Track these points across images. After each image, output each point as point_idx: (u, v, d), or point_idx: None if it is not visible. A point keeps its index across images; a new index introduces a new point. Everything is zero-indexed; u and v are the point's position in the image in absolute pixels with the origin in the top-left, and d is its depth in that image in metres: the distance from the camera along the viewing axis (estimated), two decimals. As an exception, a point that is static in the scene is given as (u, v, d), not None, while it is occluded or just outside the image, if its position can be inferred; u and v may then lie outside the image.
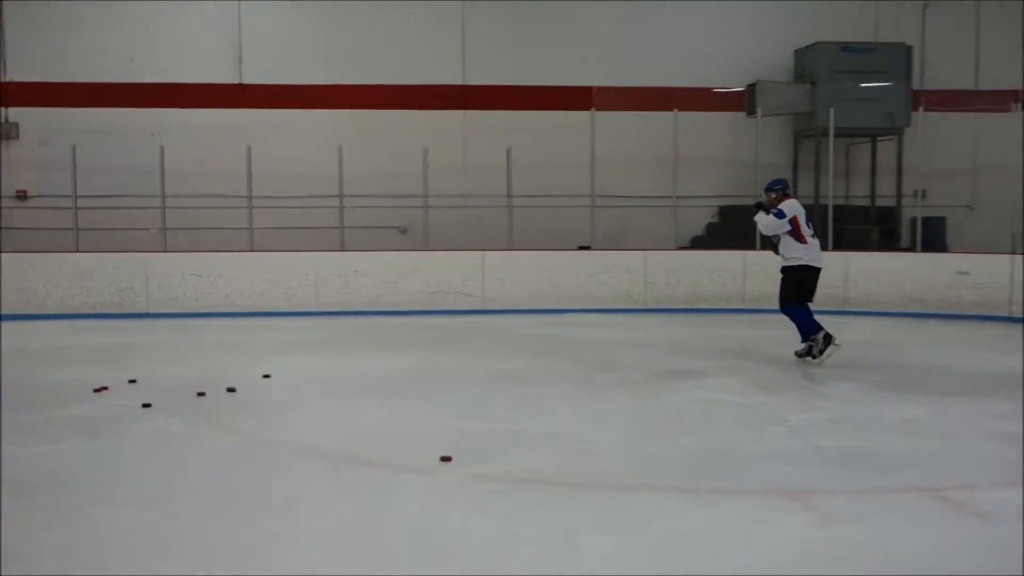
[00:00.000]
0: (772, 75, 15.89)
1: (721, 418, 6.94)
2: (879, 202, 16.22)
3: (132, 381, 8.00)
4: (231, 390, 7.68)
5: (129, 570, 3.88)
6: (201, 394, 7.49)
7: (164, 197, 14.12)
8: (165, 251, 13.98)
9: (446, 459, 5.44)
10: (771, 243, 9.35)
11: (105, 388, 7.70)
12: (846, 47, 15.37)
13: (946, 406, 7.23)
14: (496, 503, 4.78)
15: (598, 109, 14.65)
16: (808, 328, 8.97)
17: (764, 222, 9.11)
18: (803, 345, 9.03)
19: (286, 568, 3.90)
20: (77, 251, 13.96)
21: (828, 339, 8.90)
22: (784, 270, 9.19)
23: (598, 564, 3.94)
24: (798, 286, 9.03)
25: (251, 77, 15.63)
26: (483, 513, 4.62)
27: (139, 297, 13.56)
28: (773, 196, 9.16)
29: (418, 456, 5.58)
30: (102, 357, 9.77)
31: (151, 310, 13.45)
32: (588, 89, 15.21)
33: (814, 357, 8.90)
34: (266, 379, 8.26)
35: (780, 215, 8.91)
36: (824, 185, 14.96)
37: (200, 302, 13.53)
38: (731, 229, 15.21)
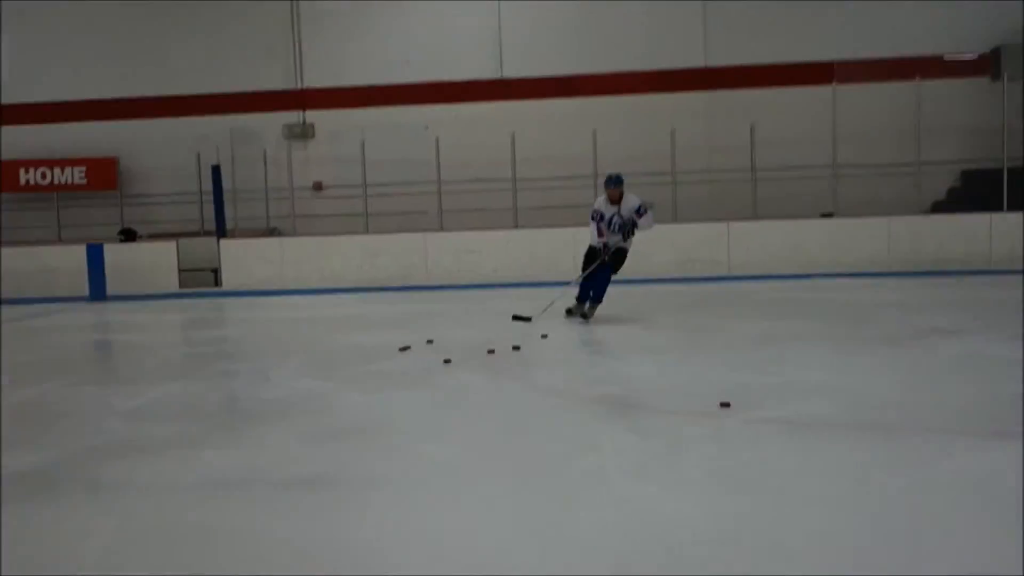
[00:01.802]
0: (1015, 38, 14.70)
1: (992, 371, 6.53)
2: None
3: (429, 342, 8.38)
4: (516, 348, 7.92)
5: (456, 500, 4.09)
6: (491, 351, 7.76)
7: (440, 183, 14.70)
8: (441, 231, 14.57)
9: (725, 405, 5.41)
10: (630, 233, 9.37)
11: (408, 348, 8.09)
12: (1097, 4, 14.02)
13: None
14: (780, 440, 4.72)
15: (839, 83, 14.05)
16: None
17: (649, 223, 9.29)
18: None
19: (601, 499, 3.99)
20: (367, 233, 14.76)
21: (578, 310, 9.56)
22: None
23: (902, 496, 3.82)
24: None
25: (510, 71, 15.99)
26: (771, 449, 4.56)
27: (419, 271, 14.22)
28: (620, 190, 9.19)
29: (699, 403, 5.58)
30: (397, 322, 10.32)
31: (430, 283, 14.07)
32: (829, 64, 14.62)
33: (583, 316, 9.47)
34: (544, 339, 8.47)
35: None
36: (1074, 145, 13.77)
37: (472, 275, 14.05)
38: (974, 193, 14.30)
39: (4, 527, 3.79)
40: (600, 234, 9.18)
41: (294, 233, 15.49)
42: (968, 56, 14.89)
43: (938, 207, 14.89)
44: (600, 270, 9.29)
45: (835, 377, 6.37)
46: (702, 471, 4.30)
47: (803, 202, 14.11)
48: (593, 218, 9.16)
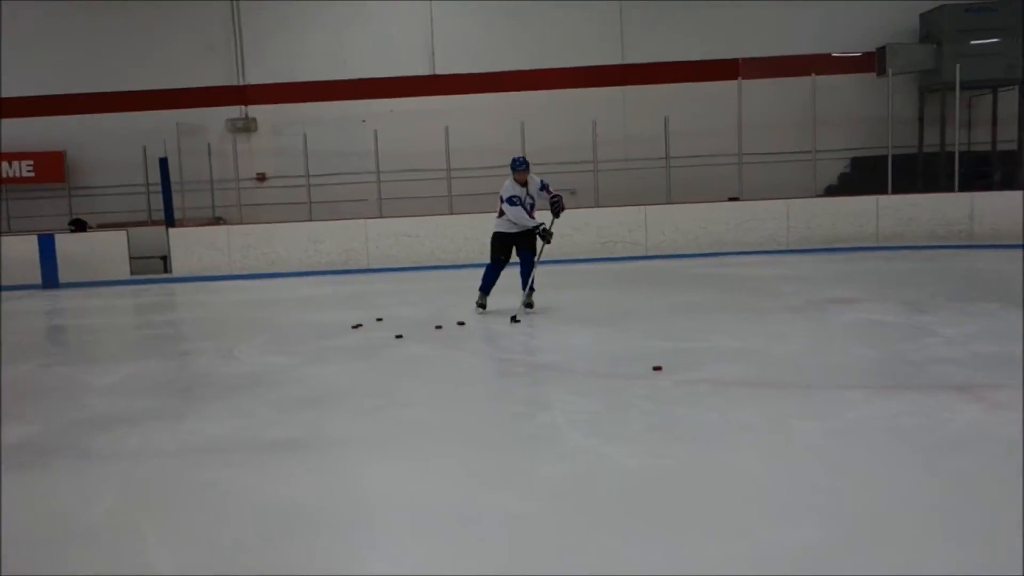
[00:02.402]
0: (898, 38, 15.34)
1: (883, 333, 6.96)
2: (1001, 147, 15.49)
3: (379, 319, 8.46)
4: (461, 324, 8.08)
5: (428, 455, 4.28)
6: (438, 327, 7.91)
7: (379, 173, 14.77)
8: (381, 217, 14.64)
9: (657, 368, 5.68)
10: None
11: (360, 325, 8.16)
12: (970, 7, 14.67)
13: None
14: (709, 399, 5.01)
15: (744, 78, 14.49)
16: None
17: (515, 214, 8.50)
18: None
19: (562, 453, 4.22)
20: (311, 220, 14.75)
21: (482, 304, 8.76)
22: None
23: (814, 441, 4.14)
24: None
25: (443, 68, 16.09)
26: (701, 406, 4.85)
27: (361, 255, 14.27)
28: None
29: (634, 368, 5.85)
30: (346, 303, 10.36)
31: (371, 266, 14.14)
32: (735, 61, 15.04)
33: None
34: (483, 312, 8.60)
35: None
36: (950, 134, 14.44)
37: (410, 258, 14.15)
38: (863, 177, 14.93)
39: (4, 496, 3.85)
40: (531, 216, 8.58)
41: (240, 221, 15.38)
42: (857, 54, 15.46)
43: (831, 190, 15.45)
44: (527, 253, 8.63)
45: (749, 342, 6.70)
46: (643, 425, 4.57)
47: (712, 187, 14.53)
48: (514, 203, 8.48)
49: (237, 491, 3.81)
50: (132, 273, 14.56)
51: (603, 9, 15.95)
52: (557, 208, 8.67)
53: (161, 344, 8.44)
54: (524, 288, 8.62)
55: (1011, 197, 13.60)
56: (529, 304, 8.66)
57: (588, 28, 16.02)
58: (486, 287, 8.81)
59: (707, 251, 13.72)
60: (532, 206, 8.66)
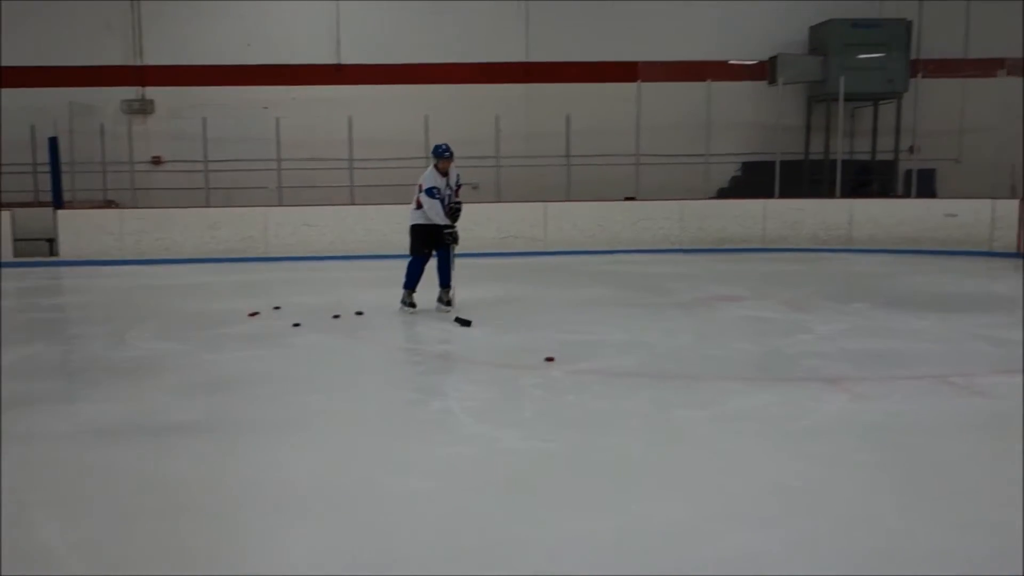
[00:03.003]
0: (789, 49, 16.01)
1: (764, 329, 7.33)
2: (879, 157, 16.34)
3: (277, 308, 8.47)
4: (359, 313, 8.14)
5: (324, 439, 4.38)
6: (336, 316, 7.96)
7: (280, 161, 14.62)
8: (281, 205, 14.51)
9: (550, 359, 5.89)
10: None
11: (257, 313, 8.14)
12: (855, 23, 15.43)
13: (943, 319, 7.61)
14: (598, 388, 5.24)
15: (643, 81, 14.90)
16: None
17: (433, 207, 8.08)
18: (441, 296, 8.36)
19: (456, 436, 4.38)
20: (208, 207, 14.50)
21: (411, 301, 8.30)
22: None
23: (693, 428, 4.40)
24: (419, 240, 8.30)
25: (348, 58, 16.01)
26: (591, 395, 5.08)
27: (259, 244, 14.12)
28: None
29: (528, 358, 6.04)
30: (243, 291, 10.27)
31: (269, 254, 14.01)
32: (634, 64, 15.43)
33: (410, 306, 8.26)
34: (386, 305, 8.65)
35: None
36: (833, 143, 15.16)
37: (310, 247, 14.07)
38: (753, 181, 15.52)
39: None
40: (447, 213, 8.19)
41: (134, 205, 15.00)
42: (751, 62, 16.07)
43: (723, 193, 16.03)
44: (441, 250, 8.33)
45: (638, 335, 6.98)
46: (533, 412, 4.77)
47: (610, 186, 14.91)
48: (432, 195, 8.07)
49: (131, 472, 3.83)
50: (16, 255, 14.06)
51: (509, 7, 16.15)
52: (455, 215, 8.26)
53: (50, 328, 8.25)
54: (443, 285, 8.31)
55: (887, 205, 14.40)
56: (448, 302, 8.26)
57: (494, 25, 16.19)
58: (411, 283, 8.32)
59: (604, 248, 14.06)
60: (449, 199, 8.20)
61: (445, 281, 8.38)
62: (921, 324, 7.37)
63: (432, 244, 8.31)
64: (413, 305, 8.28)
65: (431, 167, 8.22)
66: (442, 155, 8.14)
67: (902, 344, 6.50)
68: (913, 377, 5.45)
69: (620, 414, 4.68)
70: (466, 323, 7.49)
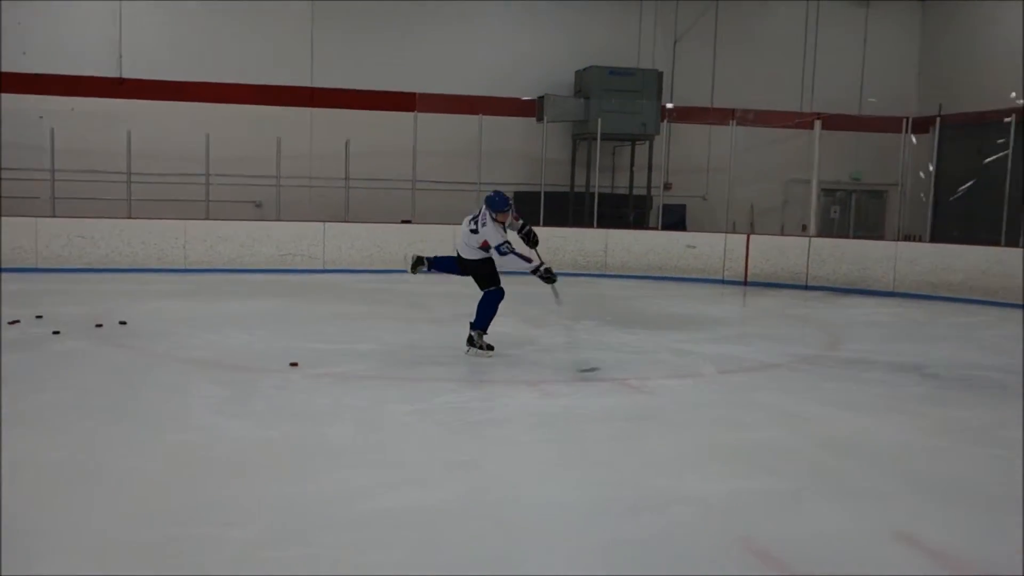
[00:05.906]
0: (557, 90, 17.37)
1: (496, 341, 8.16)
2: (636, 192, 17.93)
3: (39, 316, 8.53)
4: (123, 323, 8.40)
5: (64, 428, 4.83)
6: (99, 325, 8.20)
7: (54, 171, 14.35)
8: (54, 216, 14.23)
9: (294, 364, 6.53)
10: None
11: (17, 321, 8.20)
12: (613, 71, 16.99)
13: (649, 335, 8.85)
14: (329, 388, 5.93)
15: (420, 111, 15.77)
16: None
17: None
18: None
19: (187, 426, 4.94)
20: (-27, 215, 14.00)
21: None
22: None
23: (399, 420, 5.17)
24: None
25: (130, 72, 15.89)
26: (320, 394, 5.76)
27: (29, 254, 13.80)
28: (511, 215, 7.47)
29: (274, 363, 6.65)
30: (6, 300, 10.14)
31: (40, 265, 13.72)
32: (413, 95, 16.28)
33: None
34: (152, 315, 8.97)
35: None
36: (593, 178, 16.53)
37: (83, 260, 13.87)
38: (523, 210, 16.58)
39: None
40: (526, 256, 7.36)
41: None
42: (521, 99, 17.30)
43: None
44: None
45: (383, 345, 7.73)
46: (267, 406, 5.43)
47: (387, 209, 15.65)
48: (503, 252, 7.21)
49: None
50: None
51: (295, 33, 16.59)
52: (532, 242, 7.66)
53: None
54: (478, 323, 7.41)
55: (638, 235, 15.92)
56: (487, 346, 7.30)
57: (280, 49, 16.56)
58: (487, 322, 7.38)
59: (380, 268, 14.71)
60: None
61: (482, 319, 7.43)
62: (628, 338, 8.54)
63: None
64: (491, 348, 7.29)
65: (489, 220, 7.24)
66: (498, 208, 7.21)
67: (606, 354, 7.56)
68: (602, 380, 6.46)
69: (341, 408, 5.45)
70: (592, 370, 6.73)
